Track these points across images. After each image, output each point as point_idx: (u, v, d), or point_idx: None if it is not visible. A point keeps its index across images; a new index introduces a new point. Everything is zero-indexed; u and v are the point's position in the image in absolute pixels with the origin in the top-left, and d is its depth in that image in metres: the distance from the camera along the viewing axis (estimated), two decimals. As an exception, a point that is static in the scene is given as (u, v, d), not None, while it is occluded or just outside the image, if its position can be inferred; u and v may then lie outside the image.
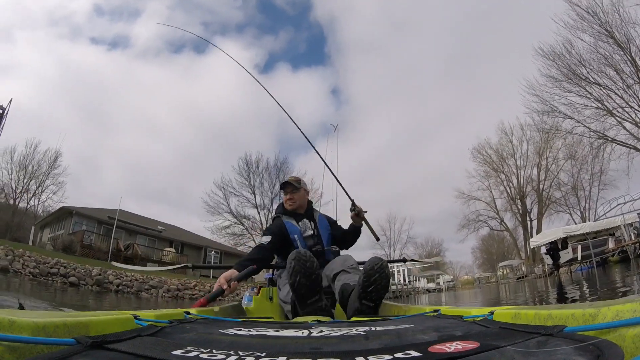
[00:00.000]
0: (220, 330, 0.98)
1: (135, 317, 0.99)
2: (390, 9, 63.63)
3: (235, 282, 2.11)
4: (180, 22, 65.14)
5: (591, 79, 23.43)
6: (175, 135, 60.21)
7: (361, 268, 2.15)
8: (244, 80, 62.94)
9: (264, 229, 2.67)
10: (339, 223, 3.04)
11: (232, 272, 2.16)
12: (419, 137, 68.48)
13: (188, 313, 1.38)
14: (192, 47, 70.14)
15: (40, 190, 32.25)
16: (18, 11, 48.54)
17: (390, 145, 70.05)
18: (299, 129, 3.56)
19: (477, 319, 1.04)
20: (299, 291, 1.98)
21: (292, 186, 2.80)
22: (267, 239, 2.55)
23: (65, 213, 26.66)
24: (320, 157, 3.38)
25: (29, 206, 32.80)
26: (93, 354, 0.61)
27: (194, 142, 62.86)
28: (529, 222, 37.08)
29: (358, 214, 2.88)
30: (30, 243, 24.16)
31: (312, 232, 2.75)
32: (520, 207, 37.43)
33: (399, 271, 31.04)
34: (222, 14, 63.95)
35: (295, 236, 2.68)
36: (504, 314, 0.99)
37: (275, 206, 2.99)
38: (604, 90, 23.25)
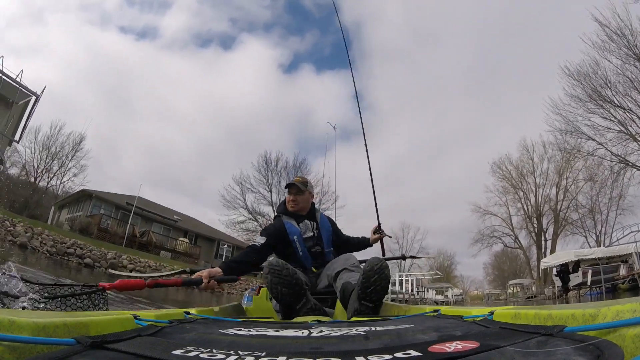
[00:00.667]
0: (220, 330, 1.00)
1: (135, 317, 1.00)
2: (417, 19, 63.15)
3: (215, 282, 2.21)
4: (209, 17, 65.81)
5: (616, 101, 22.85)
6: (195, 127, 60.70)
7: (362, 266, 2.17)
8: (267, 79, 63.55)
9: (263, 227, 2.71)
10: (338, 225, 3.06)
11: (217, 271, 2.24)
12: (438, 147, 67.53)
13: (188, 313, 1.40)
14: (219, 42, 70.98)
15: (62, 172, 33.01)
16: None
17: (409, 153, 69.39)
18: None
19: (477, 319, 1.04)
20: (285, 301, 1.99)
21: (296, 188, 2.77)
22: (261, 240, 2.56)
23: (85, 196, 27.25)
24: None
25: (49, 185, 33.57)
26: (93, 354, 0.62)
27: (213, 136, 63.32)
28: (543, 242, 36.10)
29: (380, 238, 3.11)
30: (49, 222, 24.72)
31: (312, 233, 2.75)
32: (536, 226, 36.50)
33: (407, 280, 30.65)
34: (250, 11, 64.33)
35: (295, 237, 2.66)
36: (504, 314, 0.99)
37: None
38: (628, 114, 22.66)
